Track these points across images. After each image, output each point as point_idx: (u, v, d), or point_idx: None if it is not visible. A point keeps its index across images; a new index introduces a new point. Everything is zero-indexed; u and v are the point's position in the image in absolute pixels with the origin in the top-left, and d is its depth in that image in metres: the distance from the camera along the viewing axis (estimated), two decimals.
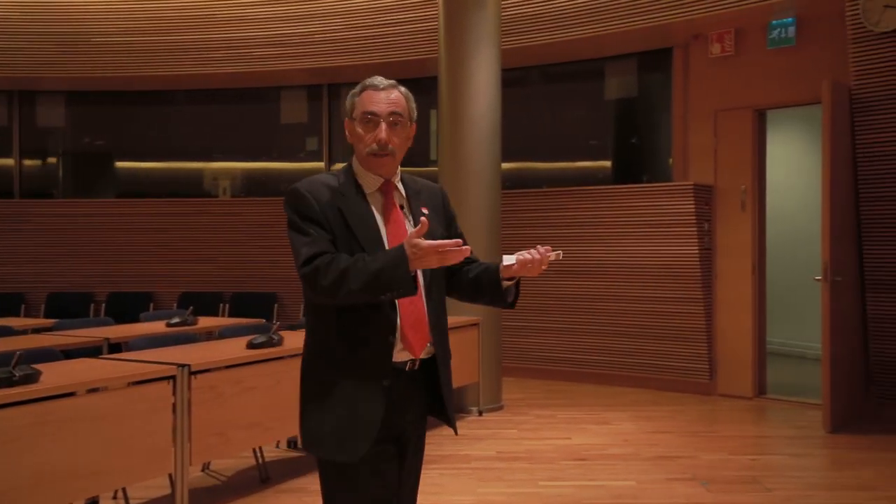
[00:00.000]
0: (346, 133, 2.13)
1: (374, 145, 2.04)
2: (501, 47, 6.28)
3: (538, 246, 2.05)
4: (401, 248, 1.88)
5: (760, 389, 6.45)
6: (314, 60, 7.82)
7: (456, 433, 2.27)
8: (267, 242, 8.13)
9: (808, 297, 6.85)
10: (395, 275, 1.87)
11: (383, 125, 2.04)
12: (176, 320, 5.39)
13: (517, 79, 7.79)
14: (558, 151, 7.75)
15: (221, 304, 8.08)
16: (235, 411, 3.82)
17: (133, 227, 8.32)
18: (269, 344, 4.10)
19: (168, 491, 3.76)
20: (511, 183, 7.65)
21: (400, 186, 2.15)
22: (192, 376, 3.59)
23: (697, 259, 6.43)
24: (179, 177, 8.91)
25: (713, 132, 6.61)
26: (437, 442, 5.07)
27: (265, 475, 4.27)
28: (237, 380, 3.84)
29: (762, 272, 6.53)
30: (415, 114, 2.15)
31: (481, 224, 5.94)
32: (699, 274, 6.43)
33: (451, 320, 5.68)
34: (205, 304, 7.62)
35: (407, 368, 2.04)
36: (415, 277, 1.91)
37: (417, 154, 8.29)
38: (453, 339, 5.20)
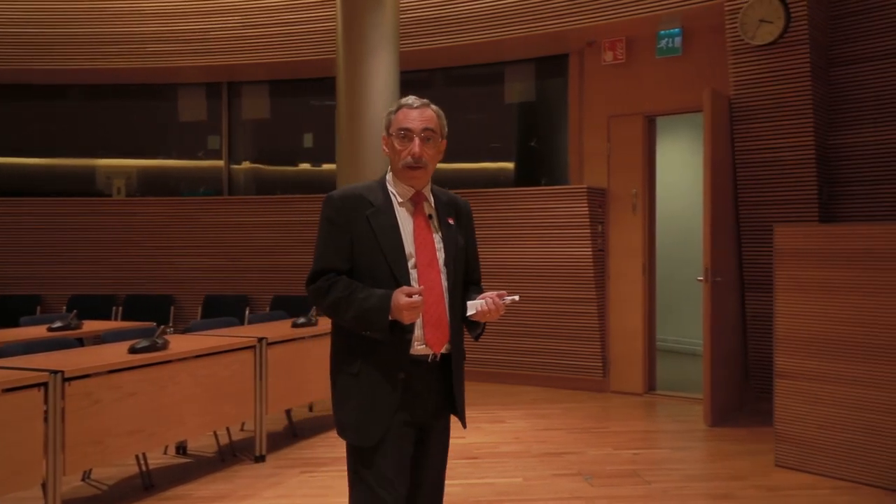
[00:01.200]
0: (384, 147, 2.34)
1: (409, 158, 2.24)
2: (401, 49, 6.31)
3: (495, 294, 2.26)
4: (387, 297, 2.13)
5: (650, 386, 6.70)
6: (212, 58, 7.66)
7: (464, 427, 2.45)
8: (165, 243, 7.93)
9: (694, 297, 7.14)
10: (376, 320, 2.13)
11: (417, 140, 2.24)
12: (58, 325, 5.20)
13: (421, 81, 7.84)
14: (462, 154, 7.84)
15: (115, 308, 7.82)
16: (114, 418, 3.71)
17: (20, 228, 7.96)
18: (153, 348, 4.00)
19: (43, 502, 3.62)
20: None
21: (430, 197, 2.34)
22: (66, 383, 3.46)
23: (591, 260, 6.62)
24: (70, 175, 8.56)
25: (606, 137, 6.83)
26: (330, 444, 5.08)
27: (148, 482, 4.17)
28: (116, 386, 3.73)
29: (652, 272, 6.79)
30: (445, 130, 2.36)
31: None
32: (593, 274, 6.62)
33: None
34: (96, 307, 7.38)
35: (429, 361, 2.25)
36: (393, 324, 2.14)
37: (322, 152, 8.25)
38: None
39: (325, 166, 8.29)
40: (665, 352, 8.17)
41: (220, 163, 8.46)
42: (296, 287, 7.70)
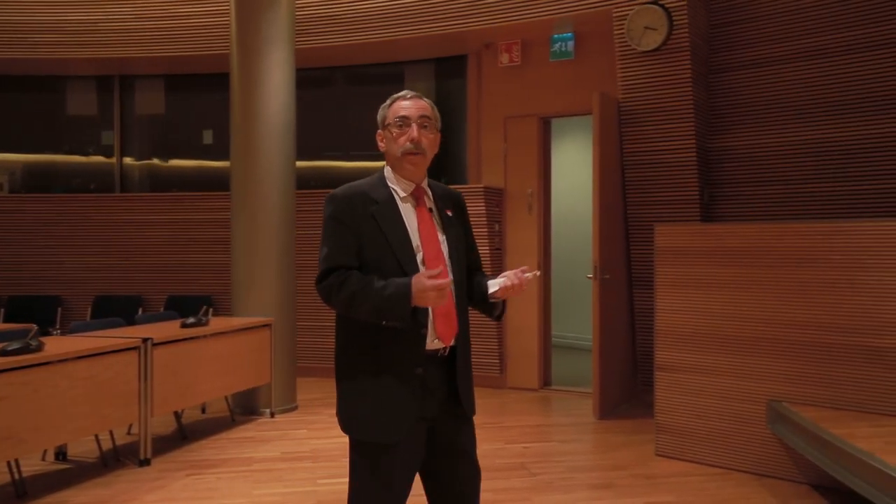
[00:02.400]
0: (379, 143, 2.35)
1: (409, 143, 2.25)
2: (298, 46, 6.26)
3: (518, 270, 2.28)
4: (407, 284, 2.09)
5: (545, 381, 6.87)
6: (102, 50, 7.40)
7: (471, 415, 2.39)
8: (52, 242, 7.62)
9: (588, 294, 7.34)
10: (398, 308, 2.09)
11: (415, 126, 2.26)
12: None
13: (320, 79, 7.80)
14: (363, 152, 7.83)
15: None
16: None
17: None
18: (25, 350, 3.84)
19: None
20: (316, 182, 7.64)
21: (429, 191, 2.35)
22: None
23: (489, 259, 6.72)
24: None
25: (503, 137, 6.96)
26: (220, 446, 5.00)
27: (22, 490, 4.00)
28: None
29: (547, 270, 6.95)
30: (439, 123, 2.38)
31: (274, 223, 5.90)
32: (490, 273, 6.71)
33: (241, 321, 5.61)
34: None
35: (439, 355, 2.25)
36: (414, 311, 2.11)
37: (223, 149, 8.09)
38: (243, 340, 5.16)
39: (225, 163, 8.13)
40: (561, 348, 8.38)
41: (113, 159, 8.18)
42: (192, 286, 7.54)
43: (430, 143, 2.31)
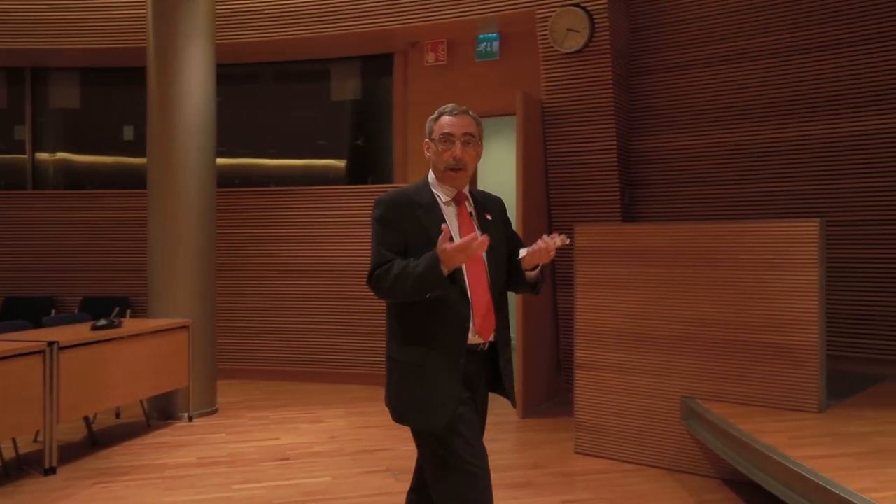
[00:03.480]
0: (425, 151, 2.52)
1: (452, 160, 2.41)
2: (220, 42, 6.12)
3: (546, 235, 2.40)
4: (434, 255, 2.22)
5: None
6: (13, 41, 7.10)
7: (514, 405, 2.71)
8: None
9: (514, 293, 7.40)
10: (433, 277, 2.22)
11: (458, 144, 2.42)
12: None
13: (246, 75, 7.65)
14: (290, 150, 7.70)
15: None
16: None
17: None
18: None
19: None
20: (241, 181, 7.50)
21: (469, 196, 2.52)
22: None
23: None
24: None
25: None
26: (133, 452, 4.84)
27: None
28: None
29: None
30: (483, 136, 2.53)
31: (193, 222, 5.75)
32: None
33: (157, 323, 5.45)
34: None
35: (479, 350, 2.42)
36: (450, 277, 2.24)
37: (138, 145, 7.85)
38: (158, 343, 5.00)
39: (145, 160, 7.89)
40: None
41: (23, 155, 7.86)
42: (109, 287, 7.30)
43: (472, 158, 2.47)
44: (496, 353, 2.49)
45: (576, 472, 4.45)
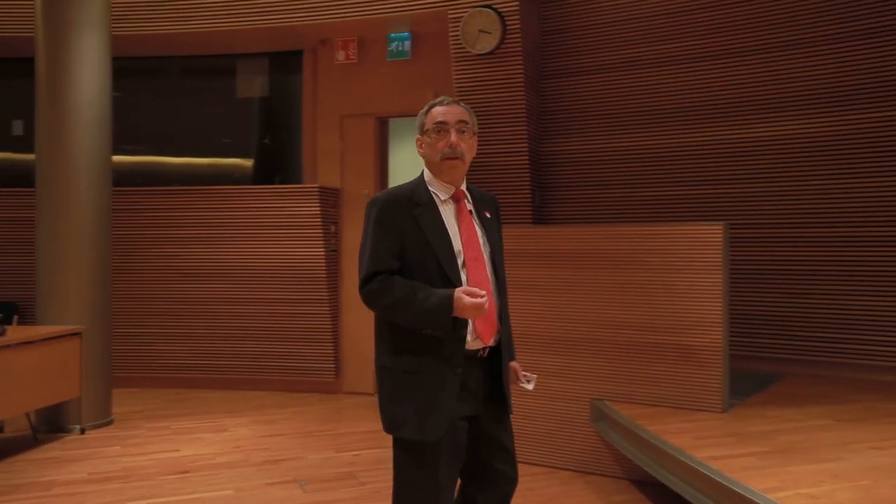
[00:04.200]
0: (418, 148, 2.42)
1: (447, 149, 2.32)
2: (118, 33, 5.81)
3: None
4: (449, 297, 2.17)
5: None
6: None
7: (511, 413, 2.47)
8: None
9: None
10: (439, 319, 2.19)
11: (453, 131, 2.32)
12: None
13: (148, 69, 7.32)
14: (195, 148, 7.40)
15: None
16: None
17: None
18: None
19: None
20: (144, 180, 7.15)
21: (468, 194, 2.44)
22: None
23: (324, 260, 6.54)
24: None
25: (340, 136, 6.79)
26: (18, 469, 4.53)
27: None
28: None
29: None
30: (476, 126, 2.43)
31: (86, 223, 5.43)
32: (325, 275, 6.54)
33: (46, 330, 5.11)
34: None
35: (478, 356, 2.33)
36: (454, 322, 2.20)
37: (29, 140, 7.38)
38: (47, 351, 4.65)
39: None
40: None
41: None
42: None
43: (468, 147, 2.38)
44: (498, 359, 2.38)
45: None
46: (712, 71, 5.58)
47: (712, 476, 2.99)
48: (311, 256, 6.54)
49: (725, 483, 2.89)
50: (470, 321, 2.26)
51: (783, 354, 5.27)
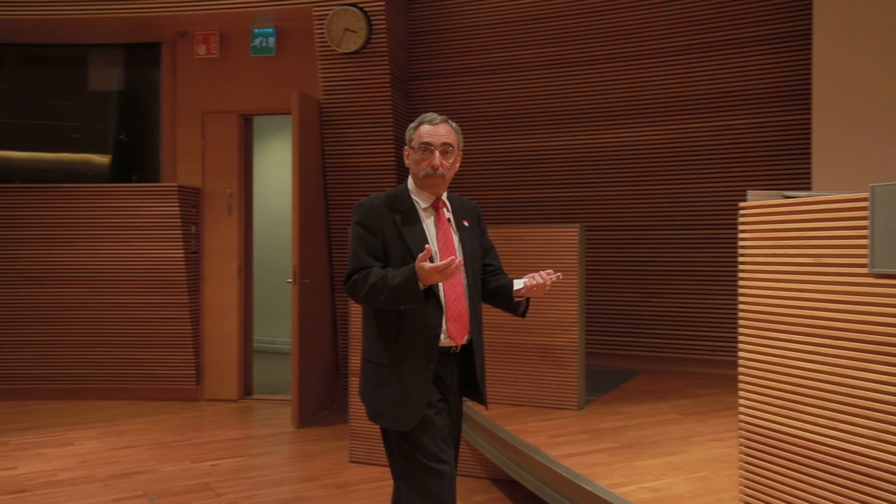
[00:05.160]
0: (404, 158, 2.57)
1: (429, 168, 2.46)
2: None
3: (542, 272, 2.49)
4: (412, 269, 2.30)
5: (246, 390, 6.55)
6: None
7: (486, 408, 2.78)
8: None
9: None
10: (408, 291, 2.31)
11: (437, 153, 2.46)
12: None
13: None
14: (43, 143, 6.90)
15: None
16: None
17: None
18: None
19: None
20: None
21: (448, 203, 2.57)
22: None
23: (183, 262, 6.26)
24: None
25: (201, 134, 6.53)
26: None
27: None
28: None
29: (249, 274, 6.65)
30: (462, 144, 2.58)
31: None
32: (185, 278, 6.27)
33: None
34: None
35: (451, 352, 2.49)
36: (425, 292, 2.33)
37: None
38: None
39: None
40: (268, 353, 8.12)
41: None
42: None
43: (450, 167, 2.51)
44: (471, 354, 2.54)
45: (349, 483, 4.33)
46: (572, 77, 5.75)
47: (563, 474, 3.05)
48: (169, 258, 6.25)
49: (575, 480, 2.96)
50: (444, 323, 2.42)
51: (637, 351, 5.50)
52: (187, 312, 6.31)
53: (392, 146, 5.85)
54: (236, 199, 6.49)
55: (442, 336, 2.44)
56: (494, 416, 4.04)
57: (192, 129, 6.55)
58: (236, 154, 6.50)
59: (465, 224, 2.60)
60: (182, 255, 6.26)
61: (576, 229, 4.19)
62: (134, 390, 6.34)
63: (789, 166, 5.13)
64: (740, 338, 2.20)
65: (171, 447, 5.06)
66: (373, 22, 5.68)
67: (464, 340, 2.50)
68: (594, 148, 5.68)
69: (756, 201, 2.14)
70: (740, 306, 2.20)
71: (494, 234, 4.41)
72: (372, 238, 2.44)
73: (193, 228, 6.44)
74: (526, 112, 5.89)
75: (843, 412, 1.88)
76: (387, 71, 5.77)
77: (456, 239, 2.54)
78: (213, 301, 6.48)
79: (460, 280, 2.49)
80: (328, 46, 5.80)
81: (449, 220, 2.56)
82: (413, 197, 2.53)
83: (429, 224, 2.51)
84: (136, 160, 6.96)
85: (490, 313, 4.26)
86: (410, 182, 2.56)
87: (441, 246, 2.49)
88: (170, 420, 5.79)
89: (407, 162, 2.56)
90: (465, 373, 2.58)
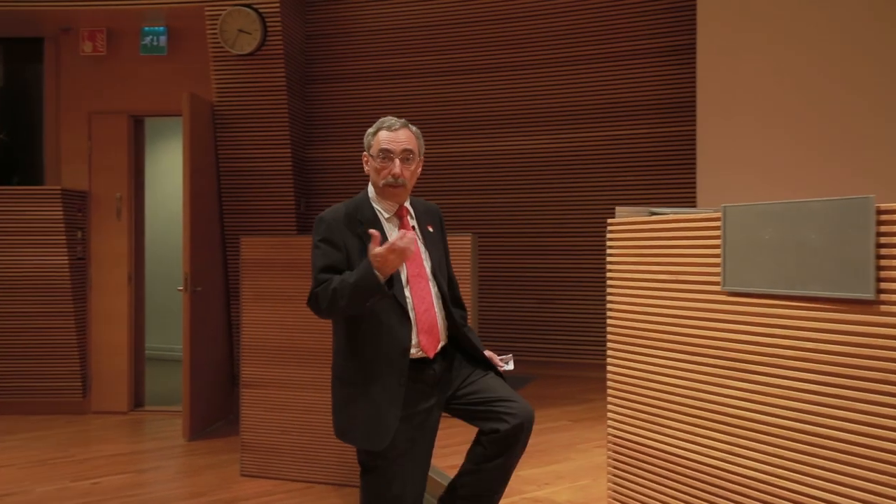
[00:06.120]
0: (364, 164, 2.48)
1: (390, 177, 2.37)
2: None
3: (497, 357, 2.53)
4: (367, 262, 2.16)
5: (137, 402, 6.31)
6: None
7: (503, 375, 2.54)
8: None
9: None
10: (367, 283, 2.15)
11: (397, 161, 2.38)
12: None
13: None
14: None
15: None
16: None
17: None
18: None
19: None
20: None
21: (411, 209, 2.47)
22: None
23: (68, 270, 5.97)
24: None
25: (88, 135, 6.24)
26: None
27: None
28: None
29: (140, 281, 6.40)
30: (423, 149, 2.49)
31: None
32: (70, 286, 5.98)
33: None
34: None
35: (425, 361, 2.35)
36: (387, 283, 2.16)
37: None
38: None
39: None
40: (166, 361, 7.85)
41: None
42: None
43: (412, 174, 2.43)
44: (450, 351, 2.46)
45: (239, 498, 4.21)
46: (466, 85, 5.78)
47: (438, 479, 3.04)
48: (53, 265, 5.95)
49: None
50: (414, 336, 2.31)
51: (533, 357, 5.56)
52: (73, 322, 6.02)
53: (289, 150, 5.74)
54: (126, 204, 6.23)
55: (413, 350, 2.33)
56: None
57: (78, 129, 6.26)
58: (126, 156, 6.24)
59: (430, 229, 2.51)
60: (67, 261, 5.97)
61: (469, 238, 4.20)
62: (14, 404, 6.00)
63: (678, 176, 5.30)
64: (608, 351, 2.24)
65: (50, 465, 4.81)
66: (268, 23, 5.56)
67: (437, 351, 2.39)
68: (488, 155, 5.72)
69: (622, 218, 2.18)
70: (608, 321, 2.24)
71: None
72: (335, 253, 2.32)
73: (79, 234, 6.15)
74: (421, 118, 5.84)
75: (699, 425, 1.93)
76: (283, 74, 5.65)
77: (422, 248, 2.45)
78: (102, 309, 6.21)
79: (429, 291, 2.38)
80: (222, 47, 5.64)
81: (413, 227, 2.47)
82: (375, 206, 2.42)
83: (393, 233, 2.38)
84: (16, 162, 6.59)
85: None
86: (371, 190, 2.46)
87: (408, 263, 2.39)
88: (52, 436, 5.51)
89: (366, 169, 2.46)
90: (452, 356, 2.48)
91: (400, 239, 2.13)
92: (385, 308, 2.28)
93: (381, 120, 2.50)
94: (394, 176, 2.38)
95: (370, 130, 2.49)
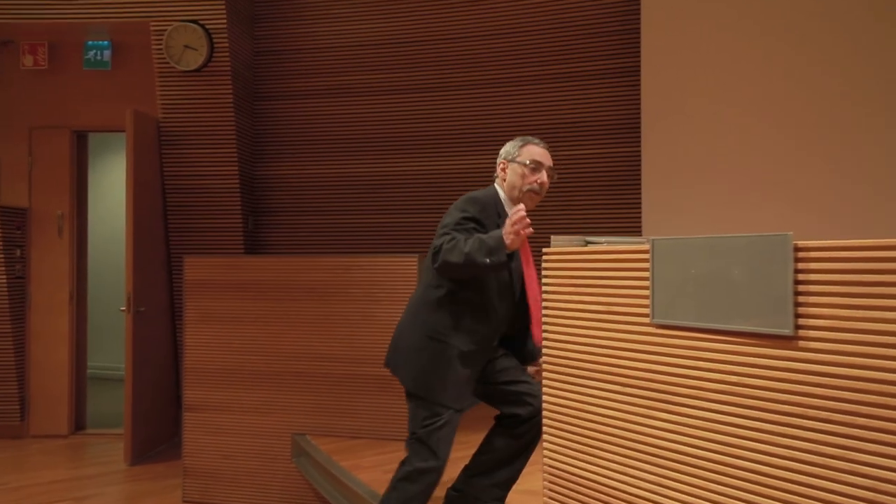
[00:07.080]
0: (500, 170, 2.78)
1: (537, 185, 2.71)
2: None
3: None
4: (500, 231, 2.43)
5: (78, 425, 6.13)
6: None
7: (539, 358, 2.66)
8: None
9: None
10: (493, 239, 2.42)
11: (545, 172, 2.73)
12: None
13: None
14: None
15: None
16: None
17: None
18: None
19: None
20: None
21: None
22: None
23: (6, 289, 5.80)
24: None
25: (28, 151, 6.09)
26: None
27: None
28: None
29: (82, 300, 6.24)
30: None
31: None
32: (8, 305, 5.81)
33: None
34: None
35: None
36: (507, 247, 2.42)
37: None
38: None
39: None
40: (112, 381, 7.67)
41: None
42: None
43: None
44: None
45: None
46: (414, 103, 5.77)
47: None
48: None
49: None
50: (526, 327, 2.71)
51: None
52: (10, 342, 5.85)
53: (236, 167, 5.67)
54: (68, 221, 6.08)
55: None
56: (331, 450, 3.95)
57: (18, 144, 6.10)
58: (68, 172, 6.10)
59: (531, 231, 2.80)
60: (5, 280, 5.80)
61: (414, 259, 4.19)
62: None
63: (626, 197, 5.35)
64: (545, 381, 2.24)
65: None
66: (215, 40, 5.50)
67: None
68: (435, 174, 5.72)
69: (556, 247, 2.18)
70: (544, 350, 2.24)
71: (333, 264, 4.35)
72: (479, 229, 2.58)
73: (18, 252, 5.98)
74: (368, 137, 5.86)
75: (630, 457, 1.94)
76: (230, 90, 5.59)
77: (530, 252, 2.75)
78: (42, 329, 6.03)
79: (537, 288, 2.61)
80: (167, 63, 5.55)
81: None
82: (504, 206, 2.72)
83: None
84: None
85: (329, 343, 4.21)
86: (501, 193, 2.74)
87: (523, 251, 2.68)
88: None
89: (503, 175, 2.75)
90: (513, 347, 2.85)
91: (517, 213, 2.41)
92: (501, 292, 2.65)
93: (523, 136, 2.80)
94: (541, 185, 2.71)
95: (515, 142, 2.78)
